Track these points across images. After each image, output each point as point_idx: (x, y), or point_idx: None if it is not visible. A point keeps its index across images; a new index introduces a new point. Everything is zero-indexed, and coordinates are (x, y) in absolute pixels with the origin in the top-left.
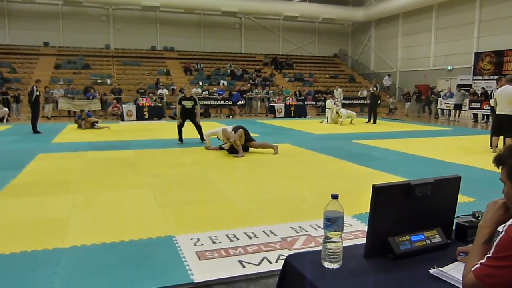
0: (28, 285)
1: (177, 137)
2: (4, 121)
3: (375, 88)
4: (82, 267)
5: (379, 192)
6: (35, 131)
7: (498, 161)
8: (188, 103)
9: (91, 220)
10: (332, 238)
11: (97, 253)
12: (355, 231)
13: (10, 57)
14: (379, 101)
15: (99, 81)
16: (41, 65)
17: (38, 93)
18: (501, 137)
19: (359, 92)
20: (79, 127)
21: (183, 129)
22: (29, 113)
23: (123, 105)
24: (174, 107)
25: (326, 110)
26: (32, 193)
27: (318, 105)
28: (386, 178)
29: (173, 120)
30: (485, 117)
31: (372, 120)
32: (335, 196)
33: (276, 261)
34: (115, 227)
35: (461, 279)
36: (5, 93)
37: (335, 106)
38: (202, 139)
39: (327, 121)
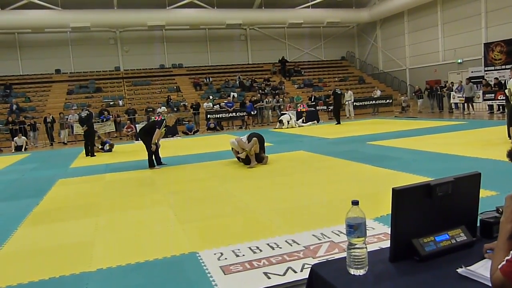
0: None
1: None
2: (23, 149)
3: (338, 90)
4: None
5: (399, 195)
6: (92, 154)
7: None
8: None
9: (115, 242)
10: (356, 244)
11: (124, 275)
12: (378, 234)
13: (24, 87)
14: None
15: (111, 103)
16: (54, 92)
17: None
18: None
19: (373, 93)
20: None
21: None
22: (46, 140)
23: (137, 125)
24: (187, 122)
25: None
26: (55, 219)
27: (329, 109)
28: (404, 178)
29: (187, 136)
30: (501, 107)
31: (338, 122)
32: (355, 203)
33: (301, 270)
34: (139, 247)
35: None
36: (22, 122)
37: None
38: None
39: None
